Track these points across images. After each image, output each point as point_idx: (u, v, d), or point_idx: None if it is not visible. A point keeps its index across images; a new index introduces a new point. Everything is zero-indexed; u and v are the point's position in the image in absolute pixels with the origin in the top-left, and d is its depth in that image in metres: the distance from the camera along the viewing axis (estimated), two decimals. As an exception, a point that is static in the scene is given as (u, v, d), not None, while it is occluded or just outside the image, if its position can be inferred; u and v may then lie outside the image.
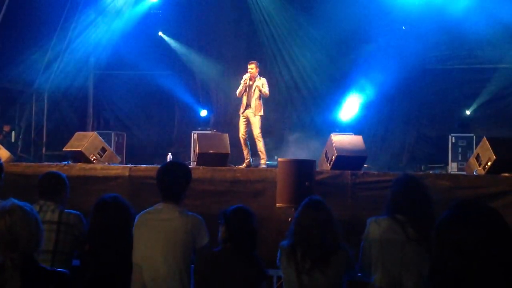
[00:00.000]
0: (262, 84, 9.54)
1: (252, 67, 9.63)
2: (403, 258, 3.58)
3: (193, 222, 3.72)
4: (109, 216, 3.80)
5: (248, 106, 9.59)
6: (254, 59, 9.91)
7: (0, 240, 2.58)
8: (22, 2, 11.92)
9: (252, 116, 9.54)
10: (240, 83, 9.64)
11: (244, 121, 9.64)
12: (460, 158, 11.23)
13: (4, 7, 11.71)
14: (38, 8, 12.30)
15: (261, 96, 9.59)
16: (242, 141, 9.64)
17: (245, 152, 9.55)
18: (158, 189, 3.82)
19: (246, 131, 9.61)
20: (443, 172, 10.85)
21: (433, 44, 12.43)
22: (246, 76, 9.58)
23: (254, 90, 9.55)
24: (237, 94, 9.75)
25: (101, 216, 3.81)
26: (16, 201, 2.69)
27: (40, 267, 2.73)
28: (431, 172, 10.05)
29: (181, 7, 13.51)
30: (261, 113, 9.64)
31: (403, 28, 12.63)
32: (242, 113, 9.67)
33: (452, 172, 10.73)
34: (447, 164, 11.48)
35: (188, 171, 3.92)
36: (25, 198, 2.80)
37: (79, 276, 3.65)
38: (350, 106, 12.62)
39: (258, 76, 9.65)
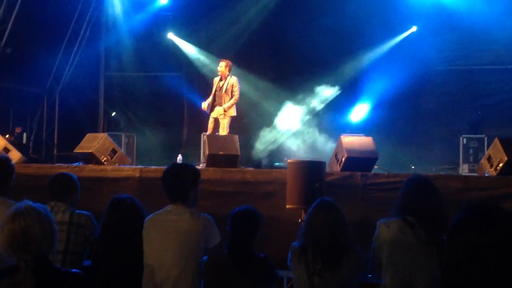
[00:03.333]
0: (233, 85, 9.31)
1: (221, 65, 9.40)
2: (414, 260, 3.57)
3: (204, 223, 3.73)
4: (124, 214, 3.83)
5: (214, 107, 9.35)
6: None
7: (14, 241, 2.59)
8: (34, 4, 12.00)
9: (221, 118, 9.32)
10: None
11: (212, 122, 9.44)
12: (471, 160, 11.15)
13: (16, 10, 11.80)
14: (50, 10, 12.38)
15: (232, 97, 9.32)
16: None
17: None
18: (165, 191, 3.84)
19: (213, 132, 9.37)
20: (454, 173, 10.78)
21: (444, 44, 12.36)
22: (217, 79, 9.38)
23: (225, 90, 9.34)
24: (202, 107, 9.47)
25: (116, 214, 3.84)
26: (30, 202, 2.70)
27: (54, 267, 2.75)
28: (442, 173, 9.98)
29: (190, 9, 13.54)
30: (233, 113, 9.41)
31: (414, 28, 12.57)
32: (210, 113, 9.42)
33: (463, 174, 10.67)
34: (458, 165, 11.41)
35: (193, 172, 3.92)
36: (36, 199, 2.81)
37: (90, 277, 3.67)
38: (360, 108, 12.58)
39: (230, 75, 9.41)
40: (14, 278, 2.56)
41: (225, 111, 9.31)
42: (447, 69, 12.64)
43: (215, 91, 9.48)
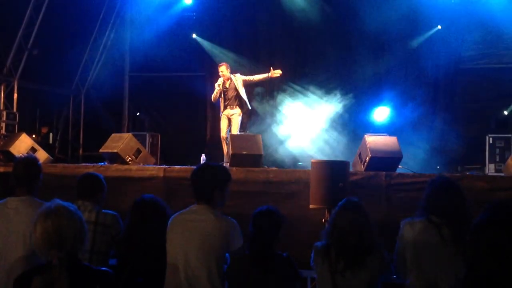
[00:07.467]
0: (241, 78, 9.63)
1: (223, 69, 9.65)
2: (439, 260, 3.54)
3: (227, 226, 3.69)
4: (147, 214, 3.86)
5: (227, 107, 9.64)
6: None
7: (47, 240, 2.64)
8: (59, 6, 12.16)
9: (235, 116, 9.59)
10: (215, 88, 9.65)
11: (226, 120, 9.67)
12: (497, 159, 10.97)
13: (42, 12, 11.97)
14: (76, 12, 12.54)
15: (243, 92, 9.64)
16: (223, 142, 9.60)
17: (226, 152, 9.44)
18: (192, 190, 3.84)
19: (227, 131, 9.61)
20: (480, 173, 10.64)
21: (469, 42, 12.23)
22: (220, 81, 9.57)
23: (233, 89, 9.61)
24: (212, 99, 9.79)
25: (139, 214, 3.87)
26: (61, 201, 2.75)
27: (86, 266, 2.79)
28: (468, 173, 9.86)
29: (214, 10, 13.59)
30: (247, 107, 9.73)
31: (439, 27, 12.45)
32: (223, 112, 9.70)
33: (489, 174, 10.52)
34: (484, 165, 11.25)
35: (221, 174, 3.84)
36: (62, 198, 2.86)
37: (115, 275, 3.70)
38: (383, 108, 12.48)
39: (232, 75, 9.69)
40: (48, 276, 2.59)
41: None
42: (473, 67, 12.49)
43: (223, 92, 9.68)
